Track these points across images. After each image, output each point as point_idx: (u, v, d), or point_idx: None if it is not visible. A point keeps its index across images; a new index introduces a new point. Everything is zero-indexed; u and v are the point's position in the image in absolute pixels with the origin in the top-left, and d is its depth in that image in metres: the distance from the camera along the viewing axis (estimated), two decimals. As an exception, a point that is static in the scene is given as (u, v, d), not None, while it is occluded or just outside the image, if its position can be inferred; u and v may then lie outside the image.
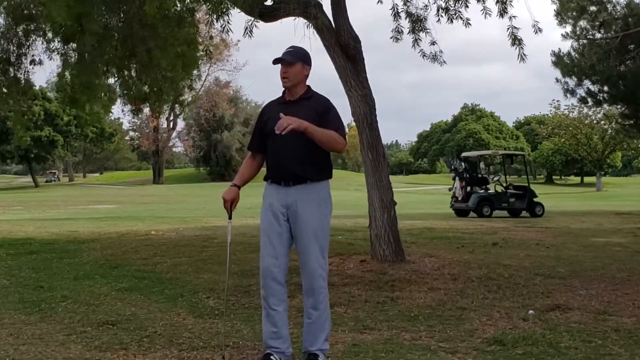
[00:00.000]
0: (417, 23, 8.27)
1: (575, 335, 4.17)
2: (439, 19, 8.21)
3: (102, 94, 8.41)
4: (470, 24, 8.10)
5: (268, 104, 3.83)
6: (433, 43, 8.39)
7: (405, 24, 8.38)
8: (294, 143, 3.48)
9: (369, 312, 4.92)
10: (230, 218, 3.74)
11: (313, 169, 3.55)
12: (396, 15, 8.33)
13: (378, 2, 8.40)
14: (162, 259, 7.81)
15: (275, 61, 3.61)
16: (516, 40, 7.55)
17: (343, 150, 3.65)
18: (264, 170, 3.80)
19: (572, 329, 4.35)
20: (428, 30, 8.27)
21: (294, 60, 3.59)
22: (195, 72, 9.84)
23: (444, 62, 8.48)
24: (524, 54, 7.58)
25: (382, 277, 6.34)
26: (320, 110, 3.59)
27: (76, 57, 7.53)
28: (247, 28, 7.23)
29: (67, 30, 6.78)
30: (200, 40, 8.29)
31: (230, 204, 3.65)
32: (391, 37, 8.43)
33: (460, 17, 8.11)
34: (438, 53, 8.43)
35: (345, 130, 3.69)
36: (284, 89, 3.68)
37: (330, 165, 3.70)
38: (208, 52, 8.88)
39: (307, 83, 3.70)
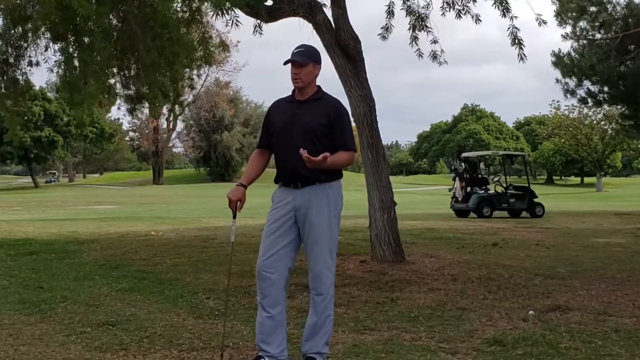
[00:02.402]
0: (418, 21, 8.21)
1: (575, 336, 4.17)
2: (443, 12, 8.09)
3: (100, 94, 8.36)
4: (480, 20, 8.02)
5: (276, 102, 3.73)
6: (435, 42, 8.34)
7: (395, 22, 8.32)
8: (300, 145, 3.39)
9: (369, 313, 4.92)
10: (234, 218, 3.69)
11: (321, 169, 3.44)
12: (390, 13, 8.26)
13: None
14: (162, 259, 7.81)
15: (287, 63, 3.53)
16: (516, 41, 7.54)
17: (353, 161, 3.63)
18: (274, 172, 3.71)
19: (572, 330, 4.35)
20: (430, 30, 8.23)
21: (306, 61, 3.50)
22: (195, 72, 9.79)
23: (445, 61, 8.41)
24: (524, 54, 7.58)
25: (382, 277, 6.34)
26: (331, 114, 3.51)
27: (66, 56, 7.48)
28: (255, 27, 7.29)
29: (57, 29, 6.74)
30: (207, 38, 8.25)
31: (235, 204, 3.56)
32: (379, 35, 8.38)
33: (469, 13, 8.01)
34: (439, 52, 8.39)
35: (353, 138, 3.60)
36: (294, 87, 3.59)
37: None
38: (223, 45, 8.95)
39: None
